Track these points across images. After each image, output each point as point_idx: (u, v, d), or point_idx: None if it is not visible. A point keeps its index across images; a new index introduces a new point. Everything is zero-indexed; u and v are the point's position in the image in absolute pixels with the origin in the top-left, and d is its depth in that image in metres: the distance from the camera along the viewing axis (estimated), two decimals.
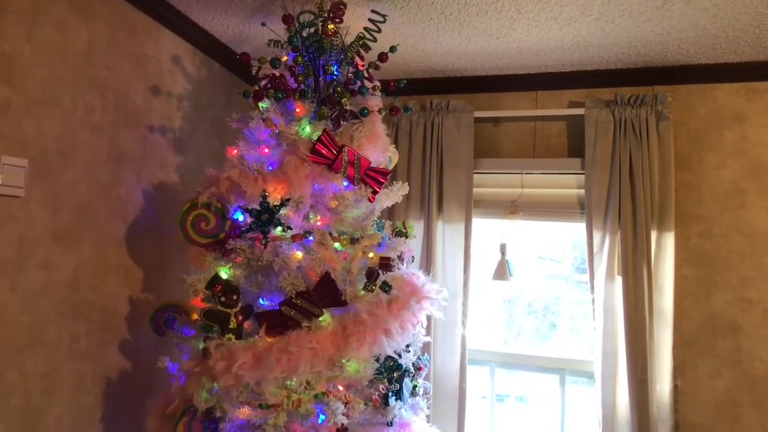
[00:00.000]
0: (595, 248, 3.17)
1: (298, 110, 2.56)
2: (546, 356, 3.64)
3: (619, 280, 3.09)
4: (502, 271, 3.34)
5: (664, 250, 3.08)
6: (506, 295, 3.97)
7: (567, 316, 3.91)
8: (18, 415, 2.33)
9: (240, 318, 2.46)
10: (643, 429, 2.94)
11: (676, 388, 3.07)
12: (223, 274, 2.51)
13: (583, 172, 3.28)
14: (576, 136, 3.40)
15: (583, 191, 3.28)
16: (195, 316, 2.52)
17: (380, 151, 2.73)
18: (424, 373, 2.87)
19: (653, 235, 3.08)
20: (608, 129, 3.19)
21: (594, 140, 3.21)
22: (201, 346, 2.43)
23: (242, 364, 2.29)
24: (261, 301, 2.58)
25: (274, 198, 2.48)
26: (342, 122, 2.59)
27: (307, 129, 2.53)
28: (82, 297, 2.59)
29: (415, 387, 2.74)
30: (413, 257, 3.06)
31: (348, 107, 2.59)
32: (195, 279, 2.52)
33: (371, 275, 2.53)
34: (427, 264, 3.38)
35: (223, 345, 2.37)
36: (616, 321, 3.08)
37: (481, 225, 3.62)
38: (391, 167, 2.87)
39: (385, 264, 2.59)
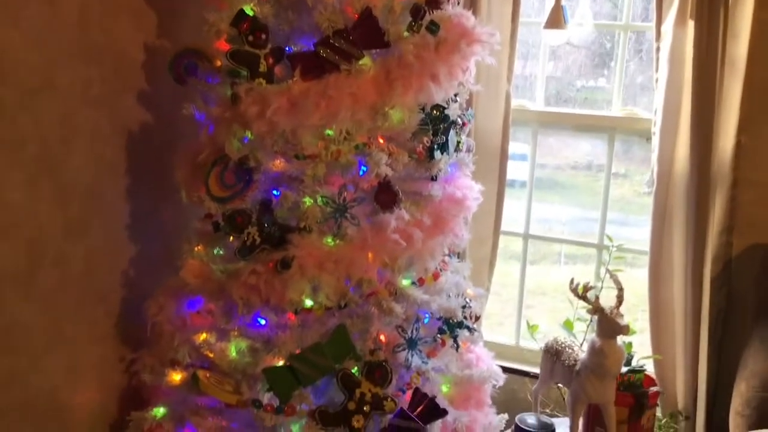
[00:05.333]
0: None
1: None
2: (595, 114, 3.40)
3: (690, 25, 2.74)
4: (556, 18, 2.97)
5: None
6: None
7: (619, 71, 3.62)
8: (36, 164, 2.20)
9: (270, 61, 2.21)
10: (702, 184, 2.75)
11: (738, 144, 2.84)
12: (249, 12, 2.22)
13: None
14: None
15: None
16: (218, 63, 2.26)
17: None
18: (467, 129, 2.66)
19: None
20: None
21: None
22: (229, 92, 2.20)
23: (276, 108, 2.08)
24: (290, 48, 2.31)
25: None
26: None
27: None
28: (92, 39, 2.35)
29: (458, 143, 2.55)
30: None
31: None
32: (217, 17, 2.22)
33: (417, 13, 2.24)
34: (472, 11, 3.02)
35: (254, 89, 2.14)
36: (683, 71, 2.78)
37: None
38: None
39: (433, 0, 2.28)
